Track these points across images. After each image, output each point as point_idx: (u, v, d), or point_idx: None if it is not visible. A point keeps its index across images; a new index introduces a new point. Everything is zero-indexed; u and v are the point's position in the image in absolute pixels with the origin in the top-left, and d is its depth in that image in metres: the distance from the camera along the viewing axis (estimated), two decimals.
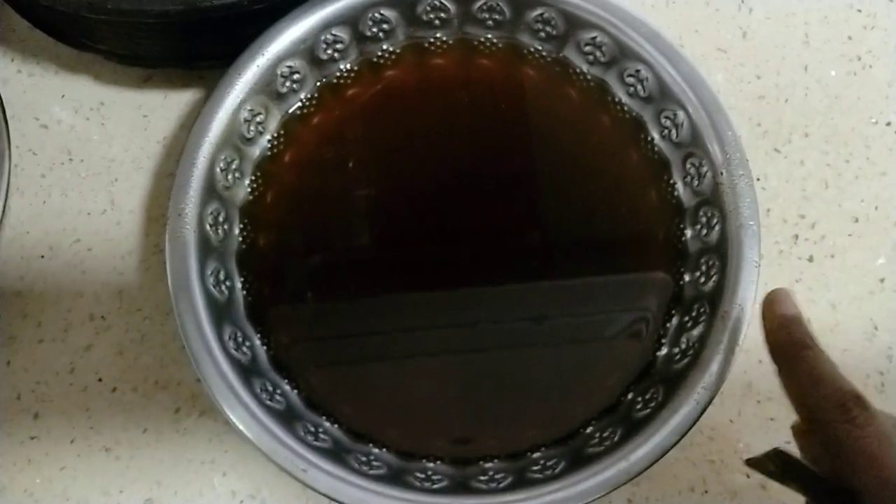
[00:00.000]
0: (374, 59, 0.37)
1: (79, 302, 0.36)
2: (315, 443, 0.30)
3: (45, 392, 0.35)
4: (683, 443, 0.29)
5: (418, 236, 0.35)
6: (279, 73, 0.35)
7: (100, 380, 0.35)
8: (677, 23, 0.41)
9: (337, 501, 0.29)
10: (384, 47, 0.37)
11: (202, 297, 0.31)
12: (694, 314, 0.32)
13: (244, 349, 0.32)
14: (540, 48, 0.37)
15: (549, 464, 0.30)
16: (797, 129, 0.39)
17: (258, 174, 0.35)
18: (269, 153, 0.36)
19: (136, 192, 0.37)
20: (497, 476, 0.30)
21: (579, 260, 0.35)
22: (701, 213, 0.34)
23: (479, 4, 0.36)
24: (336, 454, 0.30)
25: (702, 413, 0.29)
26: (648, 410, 0.30)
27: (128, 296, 0.36)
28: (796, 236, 0.37)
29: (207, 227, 0.33)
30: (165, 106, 0.39)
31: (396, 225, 0.36)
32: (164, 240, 0.32)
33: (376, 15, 0.36)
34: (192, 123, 0.34)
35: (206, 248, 0.32)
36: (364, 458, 0.30)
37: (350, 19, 0.36)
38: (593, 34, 0.36)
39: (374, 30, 0.37)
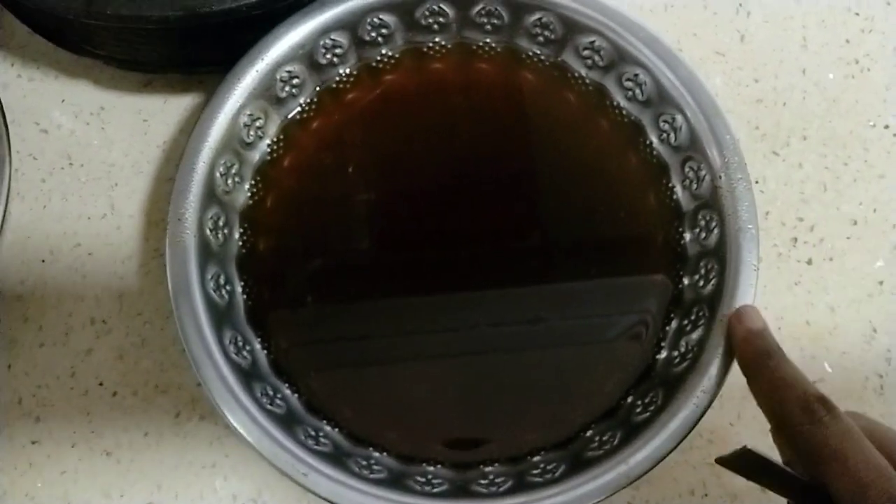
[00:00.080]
0: (374, 64, 0.37)
1: (79, 306, 0.36)
2: (315, 447, 0.30)
3: (46, 396, 0.35)
4: (683, 446, 0.29)
5: (417, 240, 0.35)
6: (278, 77, 0.35)
7: (100, 384, 0.35)
8: (675, 27, 0.41)
9: None
10: (383, 52, 0.37)
11: (202, 302, 0.31)
12: (693, 317, 0.32)
13: (244, 353, 0.32)
14: (538, 52, 0.37)
15: (548, 467, 0.30)
16: (795, 133, 0.39)
17: (258, 179, 0.35)
18: (268, 158, 0.36)
19: (136, 196, 0.38)
20: (497, 480, 0.30)
21: (578, 263, 0.35)
22: (700, 217, 0.34)
23: (477, 9, 0.37)
24: (336, 458, 0.30)
25: (701, 416, 0.29)
26: (648, 414, 0.30)
27: (128, 300, 0.36)
28: (795, 239, 0.37)
29: (207, 231, 0.33)
30: (165, 111, 0.39)
31: (396, 229, 0.36)
32: (164, 244, 0.32)
33: (375, 20, 0.36)
34: (191, 128, 0.34)
35: (206, 253, 0.32)
36: (364, 462, 0.30)
37: (349, 24, 0.36)
38: (591, 38, 0.36)
39: (373, 34, 0.37)
